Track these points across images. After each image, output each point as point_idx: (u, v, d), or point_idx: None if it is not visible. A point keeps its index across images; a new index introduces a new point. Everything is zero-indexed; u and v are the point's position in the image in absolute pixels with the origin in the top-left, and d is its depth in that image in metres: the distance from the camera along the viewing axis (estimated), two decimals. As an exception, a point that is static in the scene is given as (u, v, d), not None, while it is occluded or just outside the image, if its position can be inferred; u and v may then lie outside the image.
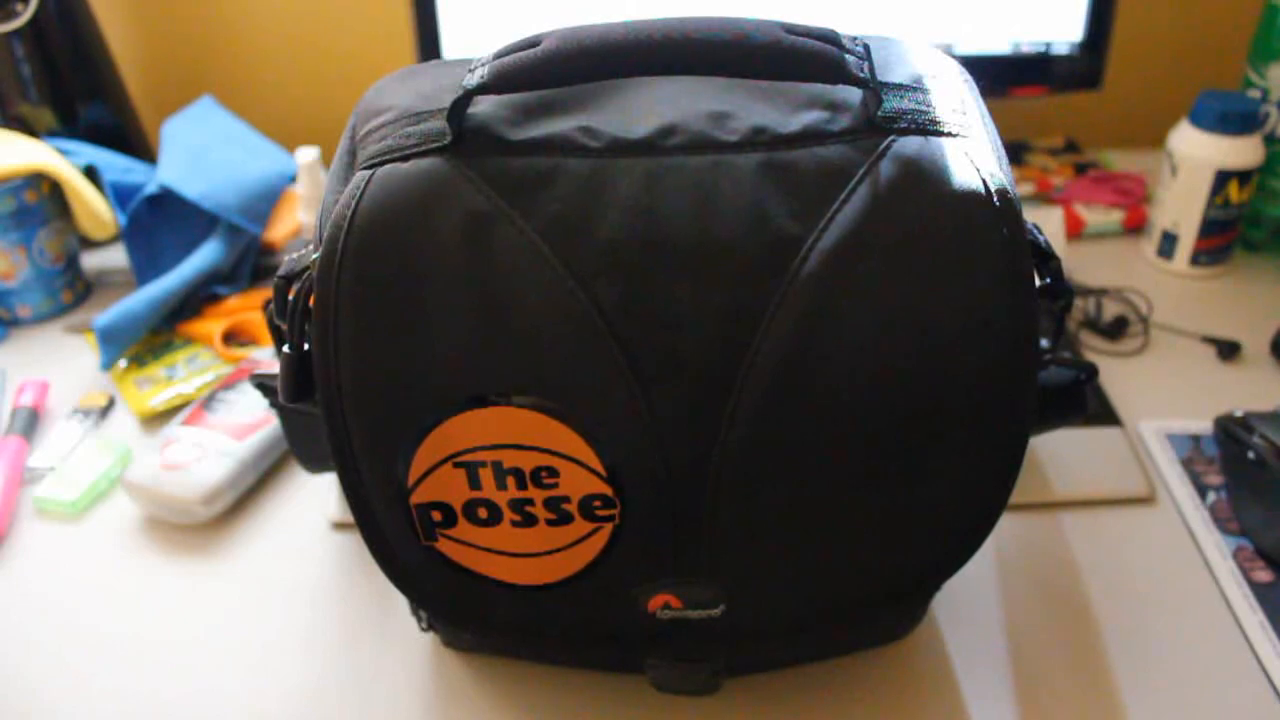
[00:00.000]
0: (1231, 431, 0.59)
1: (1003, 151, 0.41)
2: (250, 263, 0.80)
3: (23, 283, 0.76)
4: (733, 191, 0.37)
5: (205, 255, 0.76)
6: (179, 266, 0.74)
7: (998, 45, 0.82)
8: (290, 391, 0.41)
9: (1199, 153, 0.75)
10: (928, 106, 0.39)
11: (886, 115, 0.38)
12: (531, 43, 0.38)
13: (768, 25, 0.37)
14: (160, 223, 0.79)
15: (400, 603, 0.55)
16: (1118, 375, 0.70)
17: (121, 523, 0.60)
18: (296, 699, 0.50)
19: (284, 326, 0.41)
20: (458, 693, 0.50)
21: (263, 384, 0.51)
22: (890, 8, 0.80)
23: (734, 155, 0.38)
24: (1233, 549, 0.56)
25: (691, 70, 0.37)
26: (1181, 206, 0.78)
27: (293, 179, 0.86)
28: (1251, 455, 0.57)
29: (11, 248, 0.75)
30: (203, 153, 0.81)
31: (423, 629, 0.50)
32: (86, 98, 0.85)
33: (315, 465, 0.54)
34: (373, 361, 0.37)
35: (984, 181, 0.37)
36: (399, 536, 0.41)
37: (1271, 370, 0.70)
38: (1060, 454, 0.62)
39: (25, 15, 0.79)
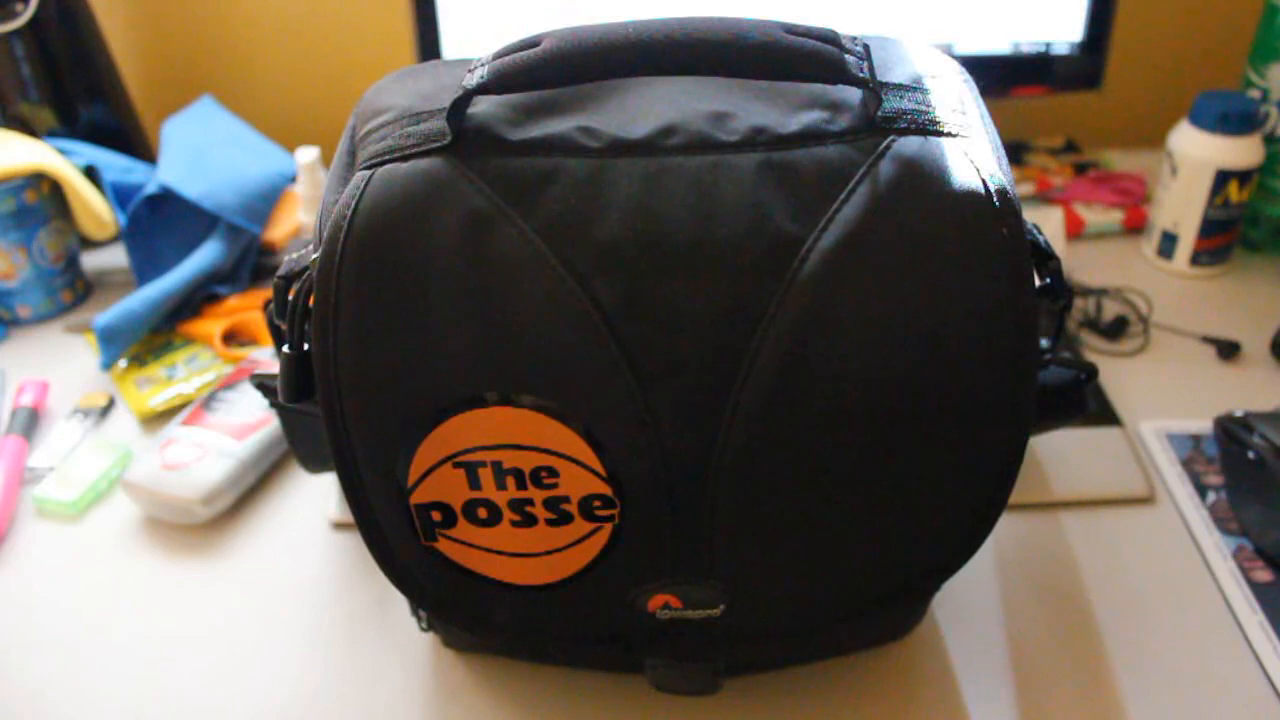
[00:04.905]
0: (1231, 431, 0.59)
1: (1003, 151, 0.41)
2: (250, 263, 0.80)
3: (23, 283, 0.76)
4: (732, 192, 0.37)
5: (205, 255, 0.76)
6: (179, 266, 0.74)
7: (998, 45, 0.82)
8: (290, 391, 0.41)
9: (1199, 153, 0.75)
10: (928, 106, 0.39)
11: (886, 115, 0.38)
12: (531, 43, 0.38)
13: (767, 25, 0.37)
14: (160, 223, 0.79)
15: (400, 603, 0.55)
16: (1118, 375, 0.70)
17: (121, 523, 0.60)
18: (296, 699, 0.50)
19: (284, 326, 0.41)
20: (458, 693, 0.50)
21: (263, 384, 0.51)
22: (890, 8, 0.80)
23: (734, 155, 0.37)
24: (1233, 549, 0.56)
25: (691, 70, 0.37)
26: (1181, 206, 0.78)
27: (293, 179, 0.86)
28: (1251, 455, 0.57)
29: (11, 248, 0.75)
30: (203, 153, 0.81)
31: (423, 629, 0.50)
32: (86, 98, 0.85)
33: (315, 465, 0.54)
34: (372, 361, 0.37)
35: (984, 181, 0.37)
36: (399, 536, 0.41)
37: (1271, 370, 0.70)
38: (1060, 454, 0.62)
39: (25, 15, 0.79)
